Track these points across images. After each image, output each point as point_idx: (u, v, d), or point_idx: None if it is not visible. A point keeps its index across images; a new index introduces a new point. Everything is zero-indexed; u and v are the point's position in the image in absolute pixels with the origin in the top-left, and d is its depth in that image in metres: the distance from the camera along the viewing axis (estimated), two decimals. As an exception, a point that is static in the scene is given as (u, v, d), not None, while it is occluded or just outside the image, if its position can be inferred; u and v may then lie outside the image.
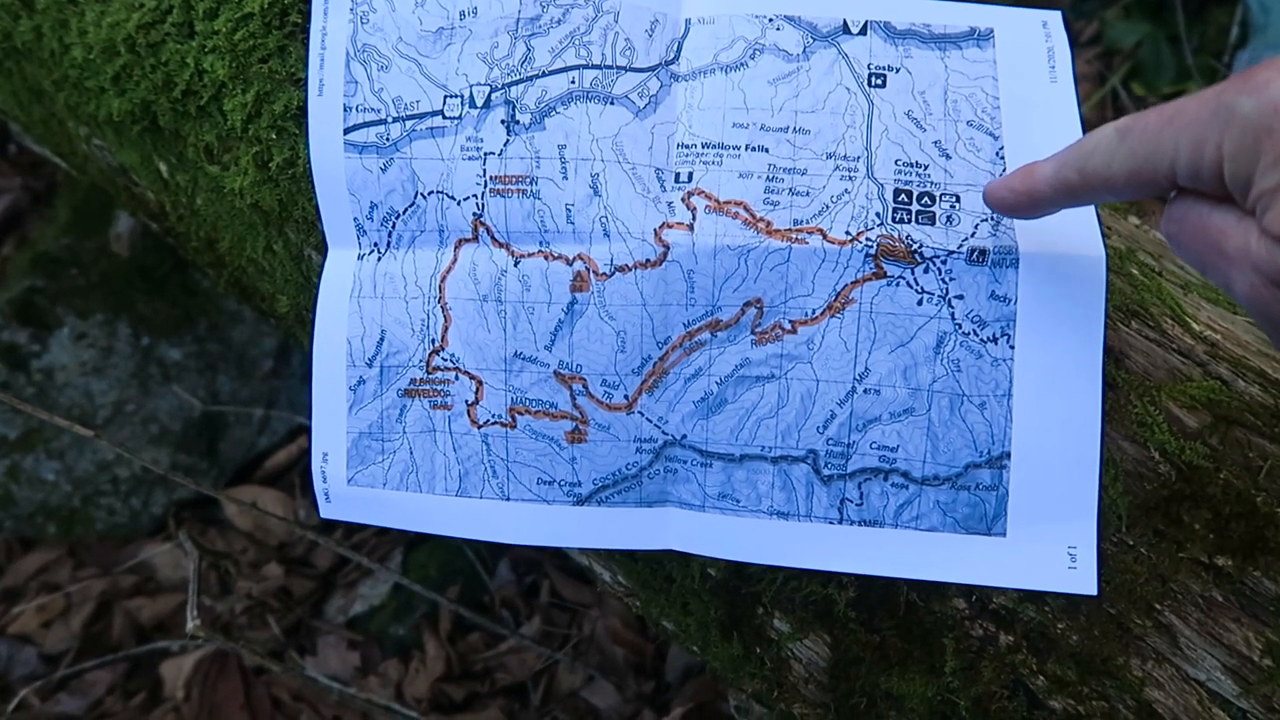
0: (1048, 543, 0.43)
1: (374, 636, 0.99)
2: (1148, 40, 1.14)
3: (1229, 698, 0.42)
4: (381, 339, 0.49)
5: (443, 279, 0.47)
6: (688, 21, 0.47)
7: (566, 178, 0.46)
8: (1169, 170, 0.31)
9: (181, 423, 1.04)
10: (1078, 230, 0.43)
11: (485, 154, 0.46)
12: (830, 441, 0.44)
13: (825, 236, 0.44)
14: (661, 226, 0.45)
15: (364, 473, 0.50)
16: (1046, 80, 0.46)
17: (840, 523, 0.45)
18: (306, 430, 1.07)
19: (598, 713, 0.92)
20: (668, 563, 0.51)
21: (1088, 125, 0.44)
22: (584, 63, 0.46)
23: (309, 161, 0.49)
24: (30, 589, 1.00)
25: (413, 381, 0.48)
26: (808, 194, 0.45)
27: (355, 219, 0.49)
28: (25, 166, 1.19)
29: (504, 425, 0.47)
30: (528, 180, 0.46)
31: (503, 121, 0.46)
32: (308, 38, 0.49)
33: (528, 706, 0.93)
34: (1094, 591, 0.42)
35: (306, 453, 1.08)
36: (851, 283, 0.44)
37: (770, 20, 0.47)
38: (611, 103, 0.46)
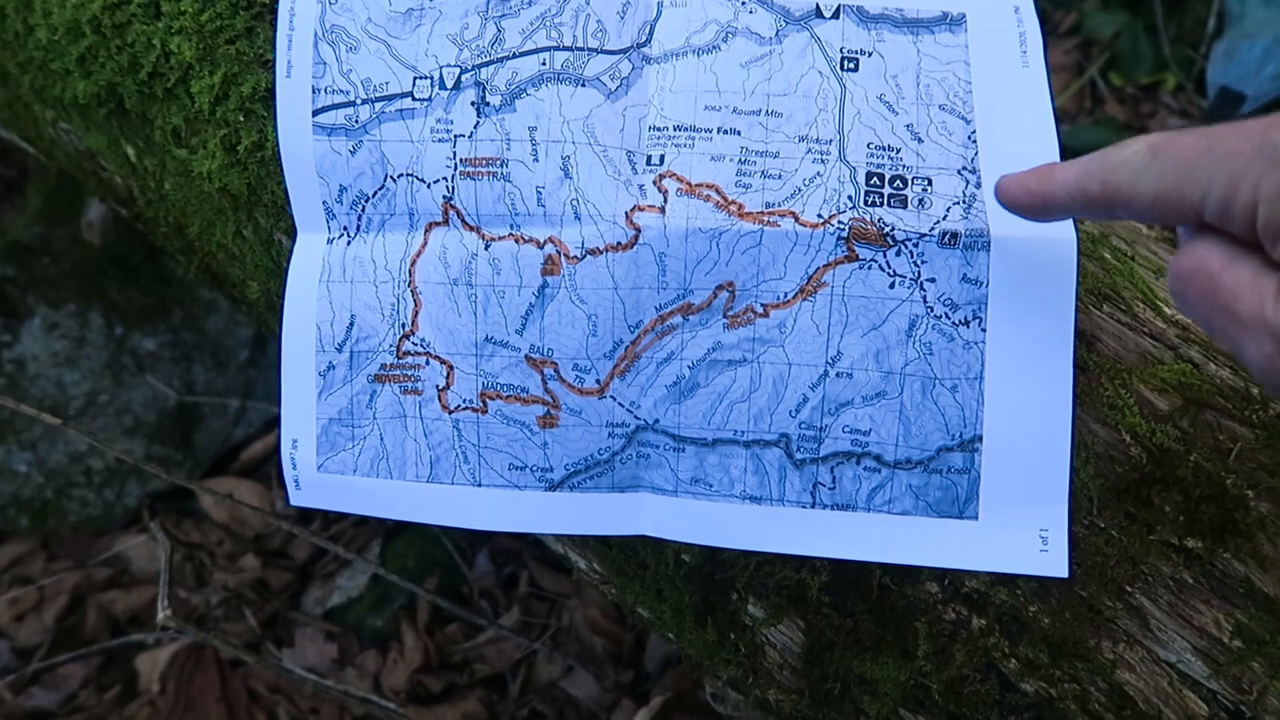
0: (1019, 526, 0.43)
1: (351, 628, 0.98)
2: (1126, 31, 1.14)
3: (1199, 679, 0.42)
4: (351, 324, 0.48)
5: (413, 263, 0.47)
6: (660, 4, 0.47)
7: (537, 160, 0.45)
8: (1198, 202, 0.29)
9: (156, 413, 1.03)
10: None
11: (455, 136, 0.46)
12: (803, 425, 0.44)
13: (797, 219, 0.44)
14: (633, 209, 0.44)
15: (334, 459, 0.49)
16: (1018, 65, 0.46)
17: (813, 507, 0.45)
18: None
19: (577, 703, 0.92)
20: (641, 549, 0.51)
21: (1063, 115, 0.43)
22: (555, 44, 0.46)
23: (277, 144, 0.48)
24: (2, 582, 0.99)
25: (383, 367, 0.48)
26: (780, 177, 0.44)
27: (324, 202, 0.48)
28: (-4, 155, 1.17)
29: (475, 410, 0.47)
30: (498, 163, 0.45)
31: (473, 103, 0.46)
32: (275, 18, 0.48)
33: (506, 697, 0.93)
34: (1065, 574, 0.42)
35: (283, 444, 1.07)
36: (823, 266, 0.43)
37: (743, 3, 0.47)
38: (583, 85, 0.46)
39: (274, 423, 1.08)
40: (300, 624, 0.98)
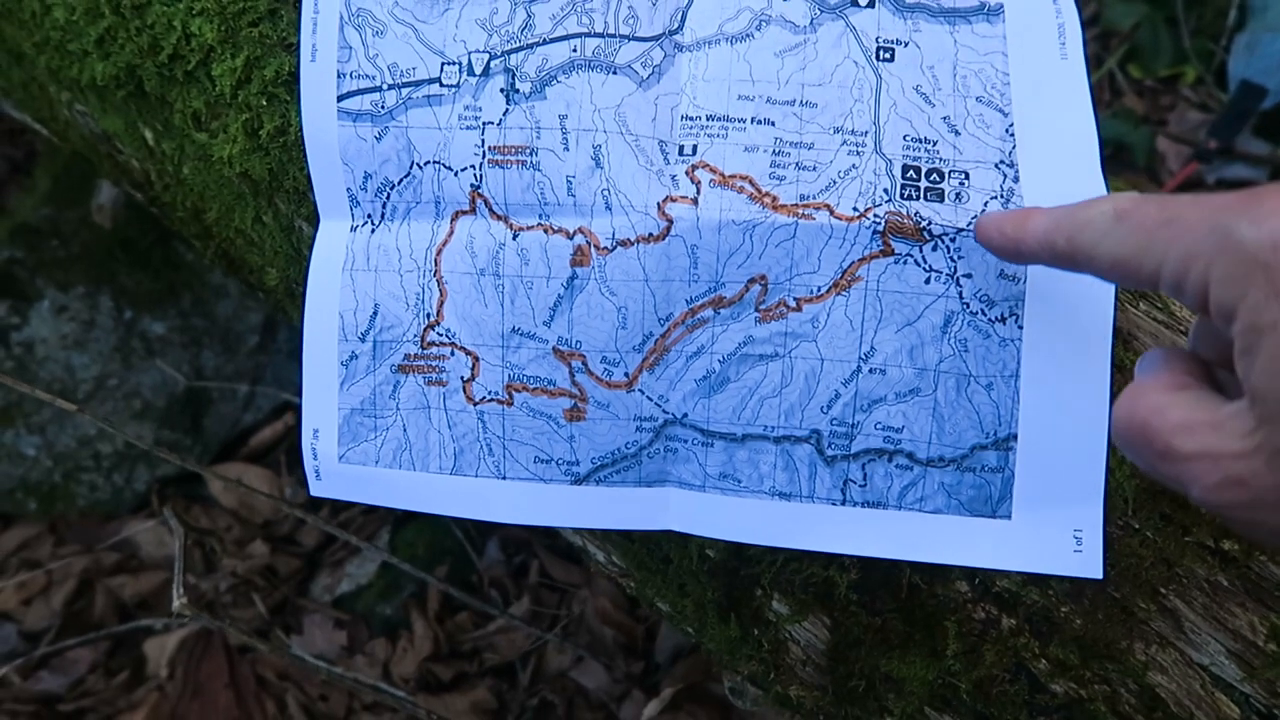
0: (1053, 526, 0.42)
1: (361, 616, 0.98)
2: (1145, 22, 1.13)
3: (1233, 682, 0.41)
4: (375, 313, 0.47)
5: (439, 252, 0.46)
6: (692, -10, 0.46)
7: (568, 149, 0.44)
8: (1154, 273, 0.29)
9: (165, 398, 1.02)
10: (1089, 209, 0.42)
11: (484, 123, 0.45)
12: (834, 422, 0.44)
13: (832, 212, 0.43)
14: (665, 200, 0.44)
15: (356, 450, 0.49)
16: (1057, 57, 0.46)
17: (843, 504, 0.44)
18: (292, 407, 1.06)
19: (587, 693, 0.92)
20: (665, 543, 0.51)
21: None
22: (586, 30, 0.45)
23: (301, 129, 0.48)
24: (10, 566, 0.99)
25: (407, 357, 0.47)
26: (814, 169, 0.44)
27: (348, 189, 0.48)
28: (3, 135, 1.16)
29: (501, 402, 0.46)
30: (527, 151, 0.45)
31: (502, 90, 0.45)
32: (300, 1, 0.47)
33: (516, 686, 0.93)
34: (1099, 575, 0.42)
35: (293, 430, 1.07)
36: (858, 260, 0.43)
37: (777, -10, 0.46)
38: (614, 72, 0.45)
39: (283, 408, 1.08)
40: (309, 611, 0.98)
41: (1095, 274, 0.32)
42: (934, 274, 0.43)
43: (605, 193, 0.44)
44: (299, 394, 0.50)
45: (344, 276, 0.48)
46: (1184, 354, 0.31)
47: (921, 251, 0.43)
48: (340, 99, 0.47)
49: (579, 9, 0.45)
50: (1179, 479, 0.27)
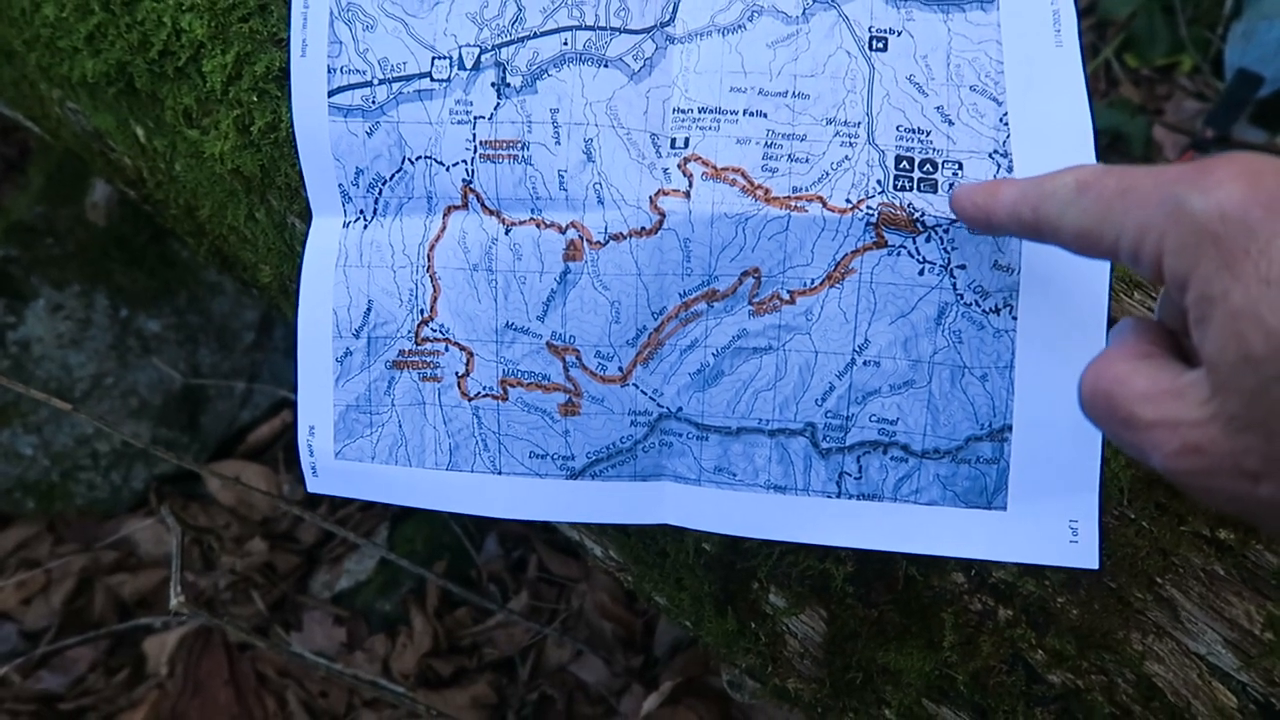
0: (1049, 517, 0.42)
1: (360, 612, 0.98)
2: (1142, 11, 1.13)
3: (1229, 671, 0.41)
4: (368, 309, 0.47)
5: (431, 247, 0.46)
6: (684, -19, 0.46)
7: (559, 143, 0.44)
8: (1114, 244, 0.29)
9: (162, 396, 1.02)
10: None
11: (475, 118, 0.45)
12: (829, 414, 0.44)
13: (825, 204, 0.43)
14: (657, 194, 0.43)
15: (352, 446, 0.48)
16: (1052, 44, 0.45)
17: (838, 496, 0.44)
18: (290, 404, 1.06)
19: (586, 687, 0.92)
20: (661, 537, 0.50)
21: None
22: (577, 23, 0.45)
23: (292, 125, 0.47)
24: (9, 565, 0.99)
25: (401, 353, 0.47)
26: (807, 160, 0.43)
27: (340, 185, 0.47)
28: (-3, 133, 1.16)
29: (495, 398, 0.46)
30: (519, 145, 0.45)
31: (493, 84, 0.45)
32: (289, -4, 0.47)
33: (516, 681, 0.93)
34: (1095, 565, 0.42)
35: (290, 427, 1.07)
36: (851, 252, 0.43)
37: (769, -19, 0.46)
38: (605, 65, 0.45)
39: (280, 406, 1.08)
40: (308, 608, 0.98)
41: (1061, 245, 0.32)
42: (928, 265, 0.42)
43: (597, 186, 0.44)
44: (295, 391, 0.49)
45: (337, 273, 0.48)
46: (1151, 323, 0.31)
47: (915, 243, 0.42)
48: (331, 94, 0.47)
49: (570, 2, 0.45)
50: (1141, 447, 0.27)
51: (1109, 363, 0.29)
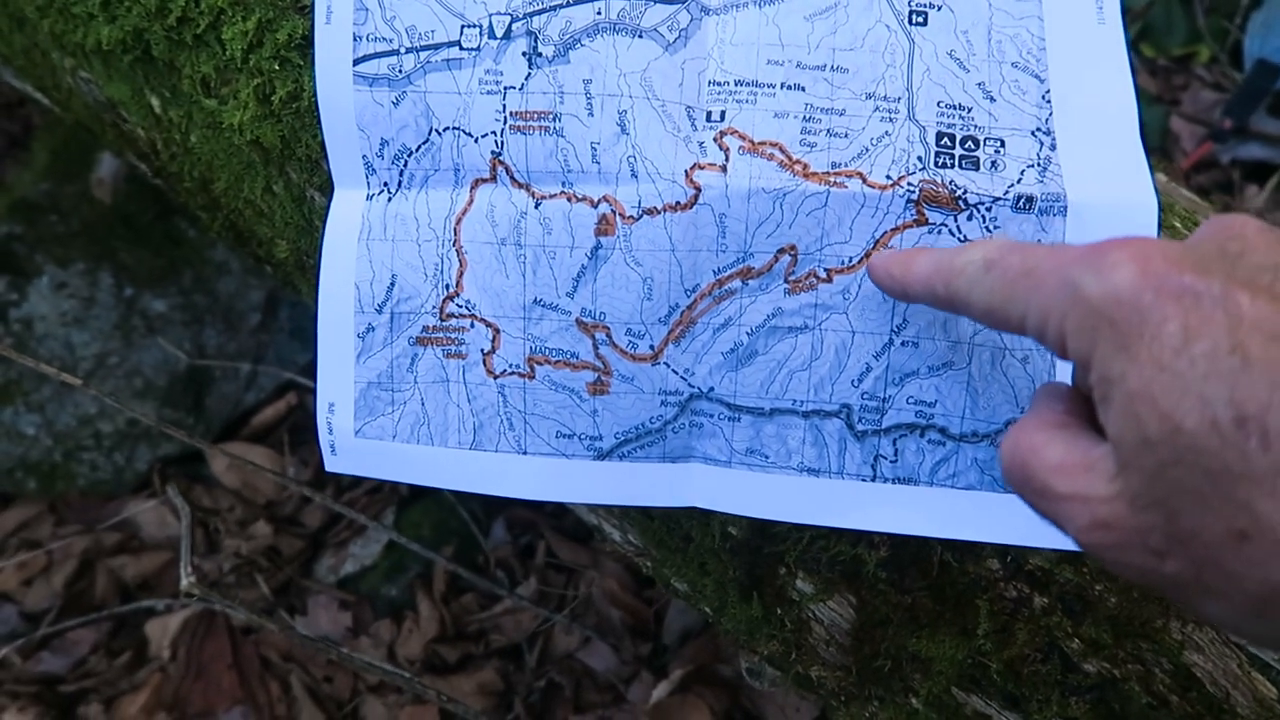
0: (1089, 502, 0.41)
1: (365, 597, 0.97)
2: (1159, 1, 1.11)
3: (1270, 661, 0.41)
4: (392, 284, 0.46)
5: (458, 221, 0.45)
6: (720, -49, 0.45)
7: (592, 115, 0.43)
8: (1020, 323, 0.29)
9: (166, 376, 1.01)
10: (1128, 176, 0.41)
11: (505, 88, 0.44)
12: (865, 396, 0.43)
13: (865, 180, 0.42)
14: (693, 168, 0.42)
15: (372, 424, 0.47)
16: (1094, 21, 0.44)
17: (873, 480, 0.43)
18: (295, 386, 1.05)
19: (594, 674, 0.91)
20: (685, 521, 0.50)
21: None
22: (611, -8, 0.44)
23: (315, 95, 0.46)
24: (10, 546, 0.98)
25: (425, 329, 0.46)
26: (846, 135, 0.42)
27: (364, 156, 0.46)
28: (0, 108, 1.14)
29: (522, 376, 0.45)
30: (550, 117, 0.43)
31: (524, 54, 0.44)
32: (314, -39, 0.46)
33: (523, 668, 0.92)
34: (1136, 553, 0.41)
35: (295, 409, 1.05)
36: (891, 229, 0.42)
37: (807, -48, 0.44)
38: (640, 36, 0.43)
39: (286, 388, 1.06)
40: (313, 592, 0.97)
41: (974, 319, 0.33)
42: (969, 244, 0.41)
43: (631, 160, 0.43)
44: (302, 372, 0.48)
45: (360, 247, 0.47)
46: (1068, 390, 0.31)
47: (956, 221, 0.41)
48: (356, 63, 0.45)
49: (603, -30, 0.44)
50: (1055, 518, 0.28)
51: (1026, 432, 0.29)
